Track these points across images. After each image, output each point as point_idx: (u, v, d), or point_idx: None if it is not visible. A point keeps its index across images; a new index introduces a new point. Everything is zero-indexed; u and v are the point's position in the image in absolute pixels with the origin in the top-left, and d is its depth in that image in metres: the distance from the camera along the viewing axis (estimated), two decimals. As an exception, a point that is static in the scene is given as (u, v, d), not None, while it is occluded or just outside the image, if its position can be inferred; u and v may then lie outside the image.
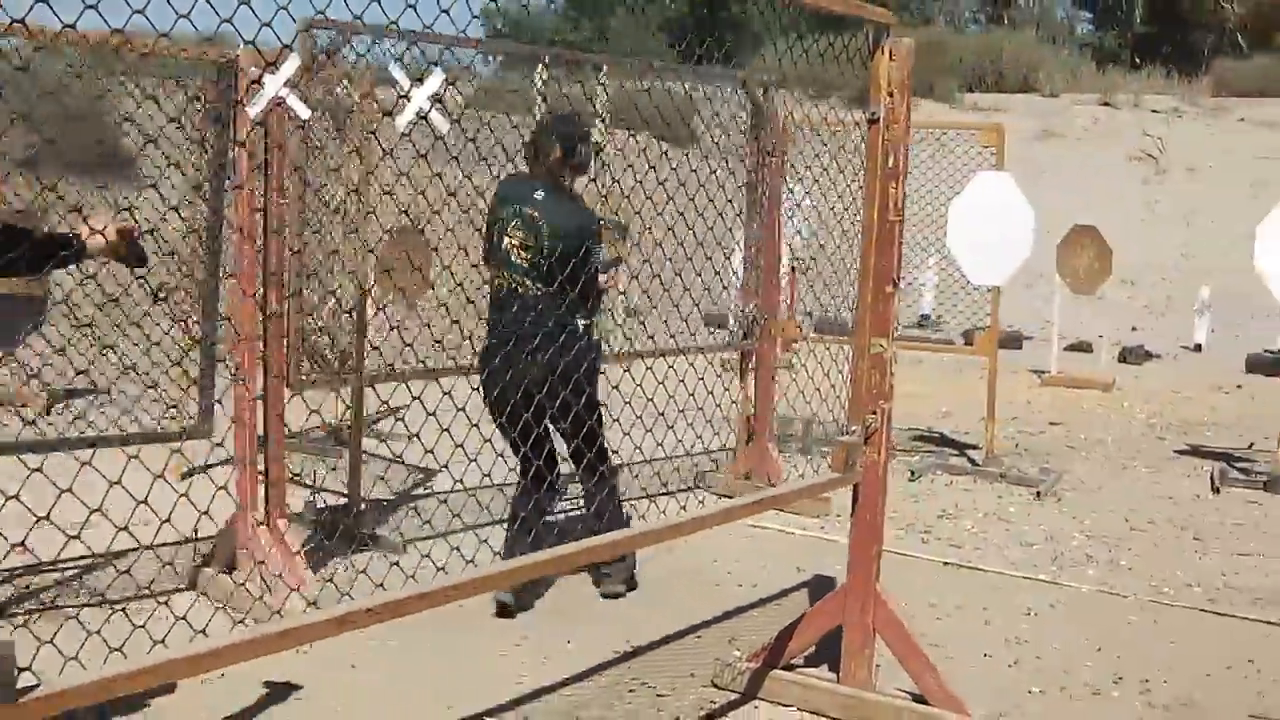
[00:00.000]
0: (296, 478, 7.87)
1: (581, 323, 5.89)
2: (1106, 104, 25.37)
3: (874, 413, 4.69)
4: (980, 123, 11.62)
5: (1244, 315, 17.39)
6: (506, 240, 5.83)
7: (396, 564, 4.43)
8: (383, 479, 7.80)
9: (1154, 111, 24.97)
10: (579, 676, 5.38)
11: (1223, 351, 16.65)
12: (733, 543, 7.28)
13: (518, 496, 6.19)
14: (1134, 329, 19.33)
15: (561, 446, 6.11)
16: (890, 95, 4.53)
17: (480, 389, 5.70)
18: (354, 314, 6.97)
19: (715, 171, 5.24)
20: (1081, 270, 13.90)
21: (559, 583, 6.50)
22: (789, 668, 5.17)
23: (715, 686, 5.24)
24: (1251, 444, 10.81)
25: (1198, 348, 17.78)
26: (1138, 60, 30.64)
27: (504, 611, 6.04)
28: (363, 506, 7.39)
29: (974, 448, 10.14)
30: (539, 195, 5.86)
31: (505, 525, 6.45)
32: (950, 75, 27.04)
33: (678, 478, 8.47)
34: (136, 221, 4.08)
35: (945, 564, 7.16)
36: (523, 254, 5.81)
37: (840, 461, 4.62)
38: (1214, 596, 6.72)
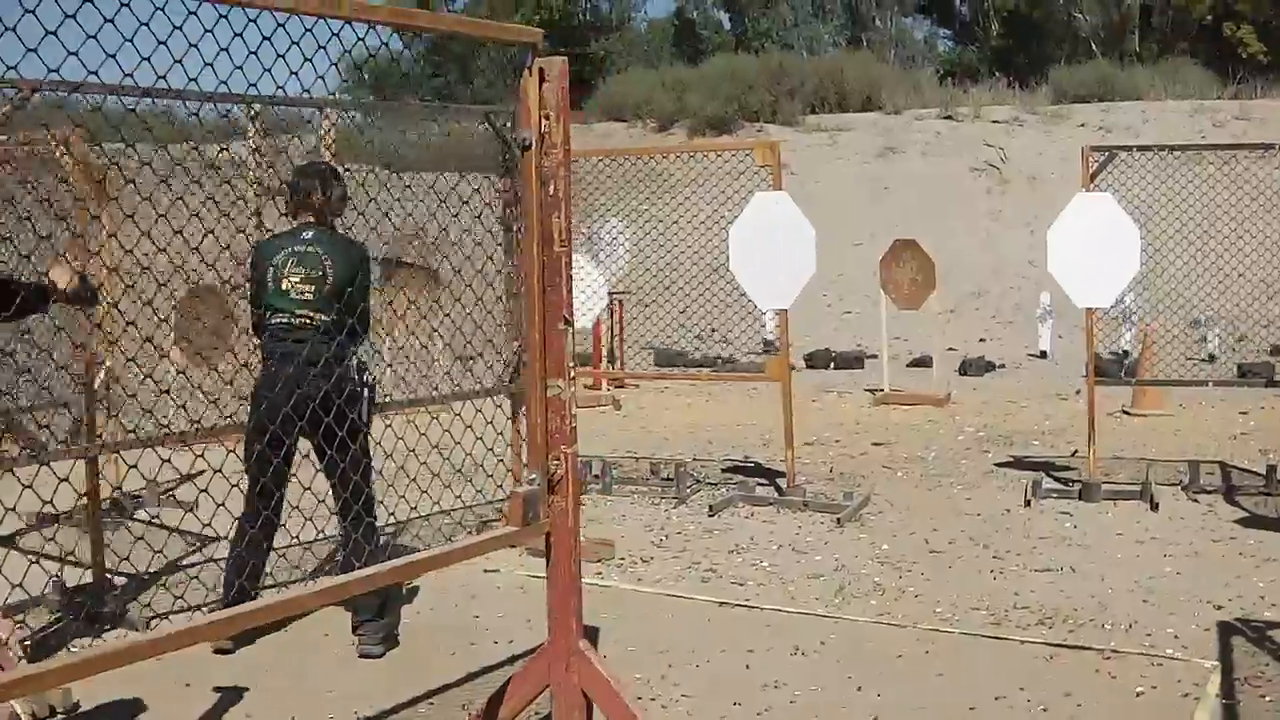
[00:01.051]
0: (47, 557, 7.35)
1: (360, 355, 6.02)
2: (948, 117, 25.44)
3: (557, 459, 4.33)
4: (753, 141, 11.34)
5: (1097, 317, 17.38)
6: (285, 282, 5.88)
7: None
8: (160, 552, 7.34)
9: (995, 122, 25.06)
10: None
11: (1068, 357, 16.58)
12: (500, 597, 6.93)
13: (239, 538, 6.11)
14: (981, 339, 19.30)
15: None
16: (547, 118, 4.19)
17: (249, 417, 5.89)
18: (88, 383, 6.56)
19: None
20: (905, 284, 13.72)
21: (316, 642, 6.25)
22: (505, 736, 4.77)
23: (434, 760, 4.86)
24: (1075, 451, 10.66)
25: (1043, 354, 17.76)
26: (995, 73, 30.90)
27: (222, 651, 6.01)
28: (115, 584, 6.96)
29: (782, 475, 9.85)
30: (308, 234, 5.96)
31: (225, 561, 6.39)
32: (793, 99, 26.98)
33: (463, 530, 8.13)
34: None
35: (720, 604, 6.82)
36: (305, 289, 5.87)
37: (518, 514, 4.25)
38: (999, 619, 6.45)
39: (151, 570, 6.93)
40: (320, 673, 5.90)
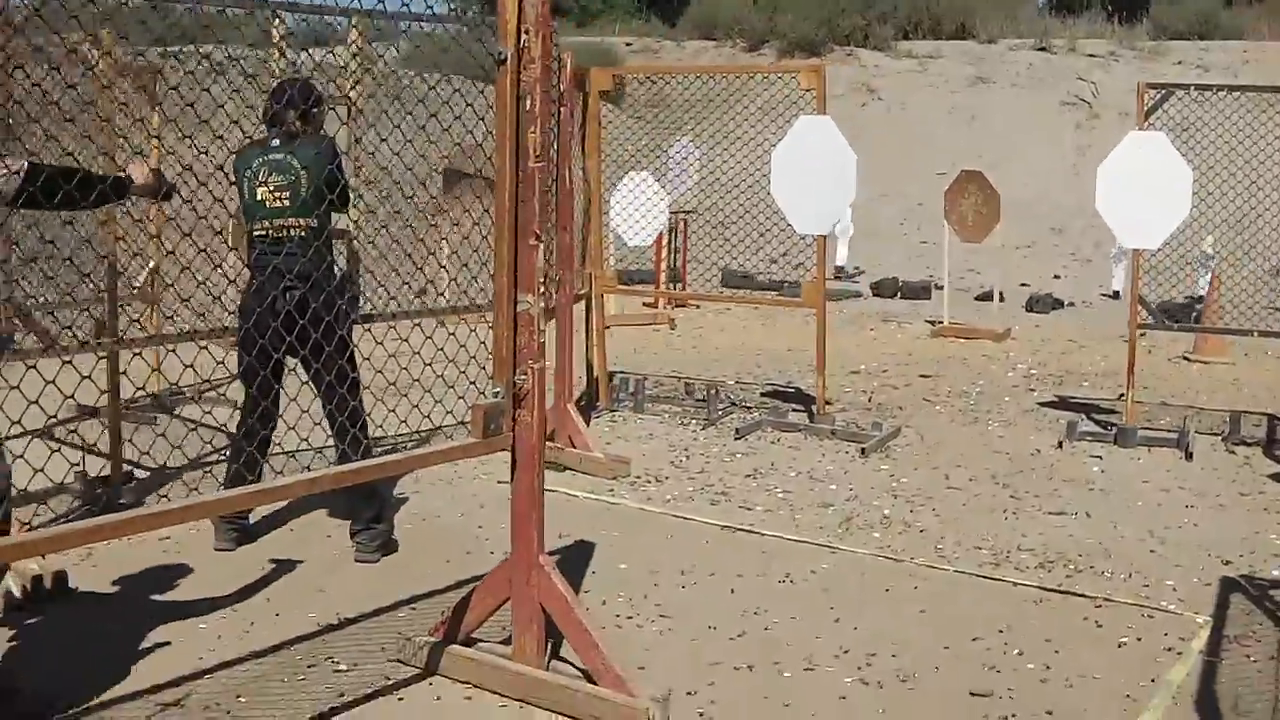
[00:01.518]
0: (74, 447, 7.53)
1: (341, 260, 6.14)
2: (1043, 49, 24.88)
3: (524, 374, 4.35)
4: (799, 65, 11.17)
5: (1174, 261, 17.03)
6: (261, 190, 5.88)
7: None
8: (178, 447, 7.48)
9: (1090, 55, 24.46)
10: (271, 650, 5.08)
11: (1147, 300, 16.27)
12: (507, 509, 6.96)
13: (241, 434, 6.21)
14: (1056, 276, 19.03)
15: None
16: (526, 33, 4.16)
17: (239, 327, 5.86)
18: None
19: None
20: (970, 216, 13.51)
21: (317, 546, 6.40)
22: (469, 642, 4.84)
23: (400, 662, 4.92)
24: (1121, 394, 10.47)
25: (1115, 295, 17.45)
26: (1106, 5, 30.08)
27: (224, 549, 6.30)
28: (135, 477, 7.14)
29: (827, 403, 9.80)
30: (276, 142, 5.93)
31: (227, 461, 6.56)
32: (885, 23, 26.53)
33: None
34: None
35: (724, 528, 6.83)
36: (281, 195, 5.86)
37: (479, 426, 4.27)
38: (999, 560, 6.40)
39: (171, 464, 7.09)
40: (314, 574, 6.01)
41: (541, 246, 4.29)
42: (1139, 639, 5.38)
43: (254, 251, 5.94)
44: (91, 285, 6.79)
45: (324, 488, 4.26)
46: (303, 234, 5.78)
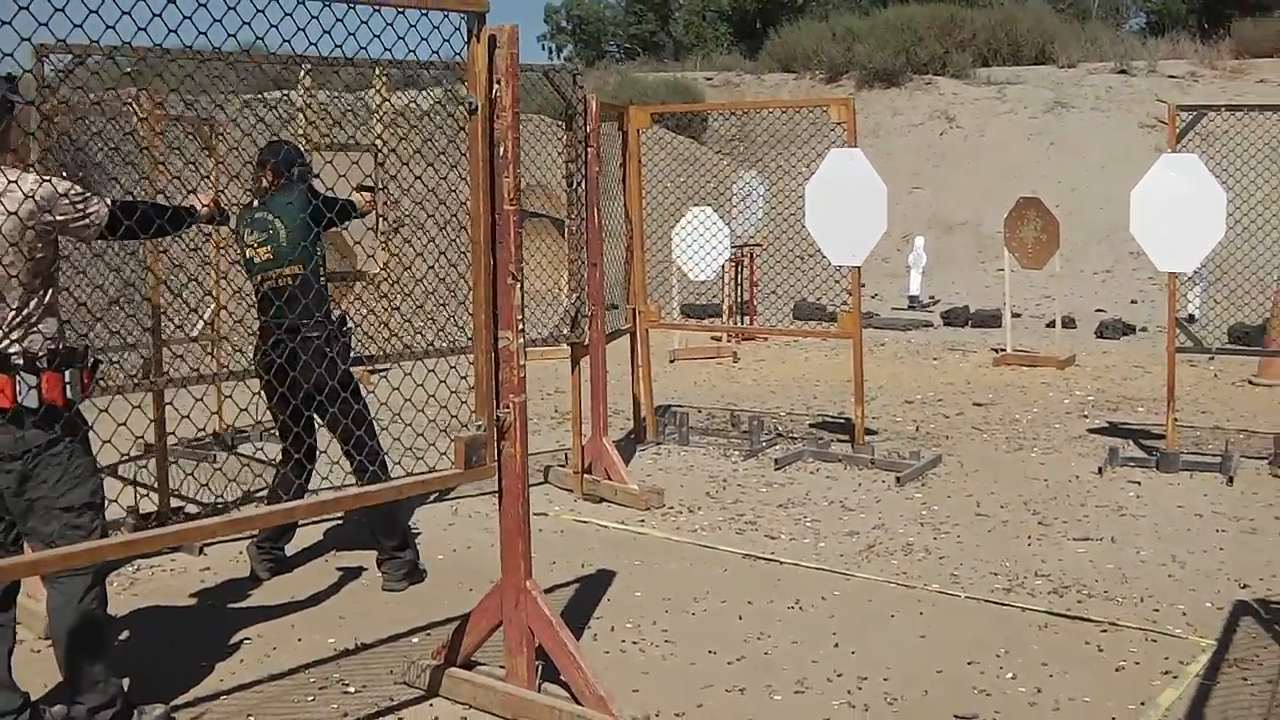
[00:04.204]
0: (133, 483, 7.87)
1: (328, 306, 6.26)
2: (1123, 71, 24.73)
3: (507, 408, 4.56)
4: (829, 98, 11.30)
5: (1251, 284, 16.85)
6: (249, 250, 6.21)
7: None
8: (232, 481, 7.83)
9: (1170, 77, 24.29)
10: (288, 673, 5.34)
11: (1215, 322, 16.11)
12: (537, 540, 7.13)
13: (281, 480, 6.47)
14: (1133, 301, 18.91)
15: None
16: (498, 83, 4.39)
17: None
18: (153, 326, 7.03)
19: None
20: (1030, 243, 13.53)
21: (348, 575, 6.71)
22: (469, 665, 5.05)
23: (405, 684, 5.15)
24: (1176, 418, 10.45)
25: (1190, 319, 17.27)
26: (1205, 25, 29.77)
27: (257, 577, 6.61)
28: (188, 513, 7.49)
29: (871, 433, 9.92)
30: (256, 202, 6.25)
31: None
32: (964, 51, 26.53)
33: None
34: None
35: (744, 556, 6.98)
36: (263, 251, 6.15)
37: (461, 457, 4.49)
38: (1011, 586, 6.48)
39: (223, 500, 7.42)
40: (339, 602, 6.28)
41: (519, 285, 4.49)
42: (1137, 663, 5.44)
43: (259, 311, 6.28)
44: (140, 327, 7.12)
45: (300, 517, 4.49)
46: (292, 282, 6.04)
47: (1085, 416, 10.98)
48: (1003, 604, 6.20)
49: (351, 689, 5.16)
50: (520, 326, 4.53)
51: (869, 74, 26.49)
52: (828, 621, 5.94)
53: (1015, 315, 17.01)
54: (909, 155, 24.15)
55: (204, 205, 5.08)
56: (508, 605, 4.78)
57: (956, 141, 24.40)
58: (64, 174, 5.68)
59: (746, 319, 15.88)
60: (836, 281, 12.21)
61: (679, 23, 45.25)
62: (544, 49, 55.84)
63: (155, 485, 7.51)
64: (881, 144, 24.26)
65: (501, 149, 4.40)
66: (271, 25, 3.87)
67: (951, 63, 26.26)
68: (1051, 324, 16.35)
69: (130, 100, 6.84)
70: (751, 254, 15.68)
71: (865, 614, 6.05)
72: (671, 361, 14.35)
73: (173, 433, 7.24)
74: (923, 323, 17.61)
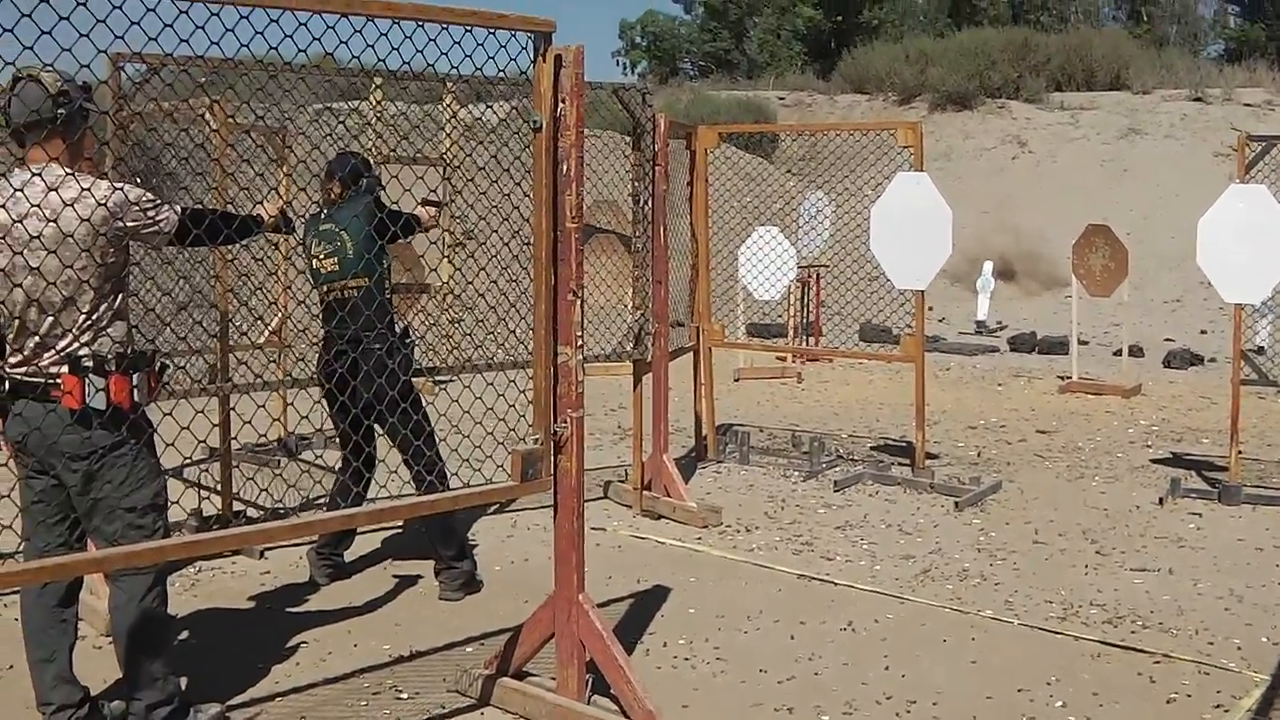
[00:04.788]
0: (198, 485, 8.01)
1: (393, 316, 6.40)
2: (1198, 99, 24.51)
3: (564, 422, 4.63)
4: (896, 122, 11.30)
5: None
6: (315, 262, 6.35)
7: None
8: (293, 487, 7.95)
9: (1246, 105, 24.05)
10: (342, 677, 5.43)
11: (1288, 355, 15.96)
12: (595, 554, 7.18)
13: (339, 487, 6.64)
14: (1203, 331, 18.72)
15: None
16: (562, 101, 4.46)
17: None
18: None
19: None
20: (1097, 271, 13.45)
21: (405, 583, 6.80)
22: (521, 675, 5.12)
23: (458, 693, 5.22)
24: (1240, 451, 10.35)
25: (1259, 350, 17.07)
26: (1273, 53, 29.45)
27: (316, 582, 6.74)
28: (250, 516, 7.62)
29: (933, 457, 9.91)
30: (324, 213, 6.39)
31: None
32: (1038, 75, 26.40)
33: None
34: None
35: (799, 576, 7.00)
36: (329, 262, 6.29)
37: (517, 470, 4.55)
38: (1066, 614, 6.45)
39: (284, 505, 7.54)
40: (395, 609, 6.37)
41: (579, 302, 4.55)
42: (1189, 695, 5.40)
43: (323, 321, 6.43)
44: (206, 333, 7.27)
45: (358, 524, 4.57)
46: (358, 293, 6.14)
47: (1149, 446, 10.89)
48: (1056, 632, 6.17)
49: (404, 695, 5.24)
50: (579, 343, 4.59)
51: (941, 97, 26.41)
52: (879, 644, 5.95)
53: (1082, 343, 16.85)
54: (980, 179, 24.03)
55: (270, 215, 5.18)
56: (560, 617, 4.84)
57: (1028, 166, 24.28)
58: (137, 181, 5.84)
59: (812, 340, 15.85)
60: (902, 304, 12.21)
61: (754, 41, 45.24)
62: (618, 65, 55.92)
63: (219, 489, 7.63)
64: (952, 167, 24.16)
65: (565, 167, 4.47)
66: (341, 42, 3.98)
67: (1025, 87, 26.12)
68: (1118, 352, 16.22)
69: (203, 111, 6.98)
70: (818, 275, 15.67)
71: (917, 638, 6.05)
72: (736, 380, 14.38)
73: (235, 437, 7.37)
74: (989, 348, 17.51)
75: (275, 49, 4.01)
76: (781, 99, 28.78)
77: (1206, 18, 48.11)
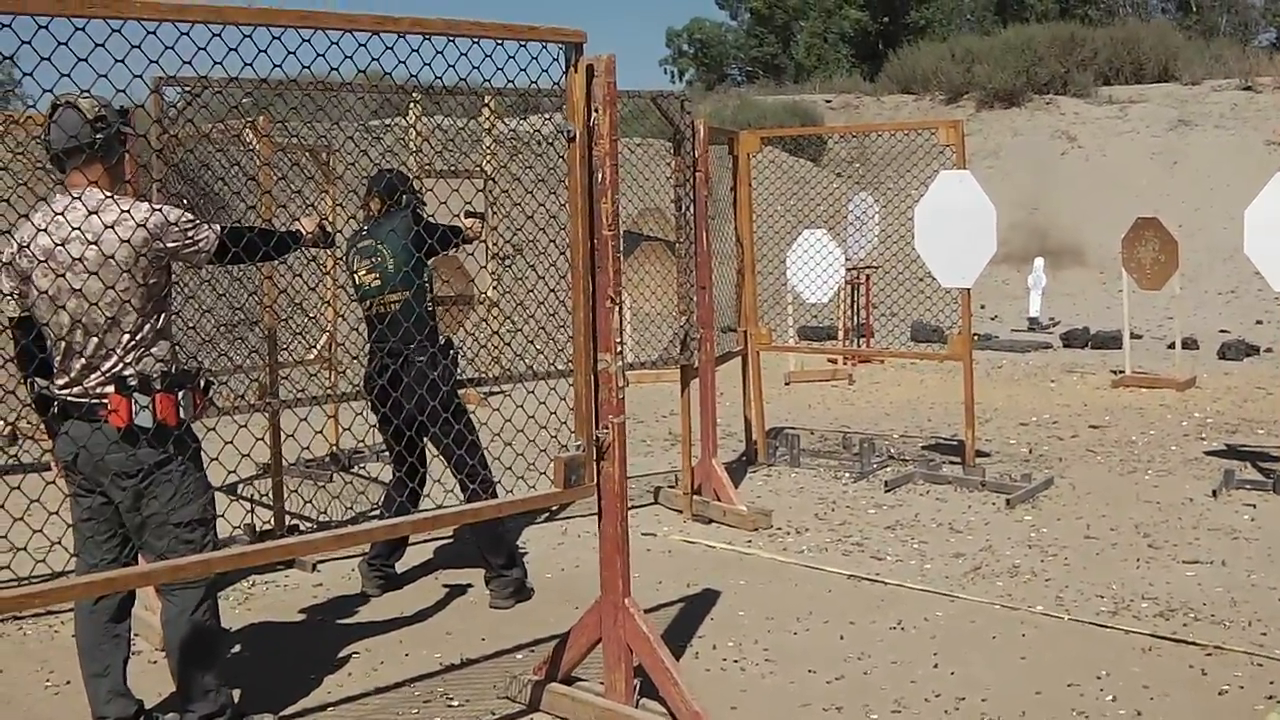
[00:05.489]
0: (249, 500, 8.12)
1: (435, 328, 6.45)
2: (1248, 88, 24.28)
3: (606, 429, 4.67)
4: (938, 121, 11.26)
5: None
6: (358, 275, 6.42)
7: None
8: (337, 499, 8.04)
9: (1297, 94, 23.86)
10: (393, 686, 5.50)
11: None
12: (645, 559, 7.27)
13: (386, 499, 6.83)
14: (1259, 322, 18.56)
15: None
16: (596, 111, 4.51)
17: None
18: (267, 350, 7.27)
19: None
20: (1147, 264, 13.36)
21: (455, 593, 6.87)
22: (569, 680, 5.16)
23: (508, 699, 5.27)
24: (1294, 442, 10.29)
25: (1314, 341, 16.95)
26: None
27: (368, 593, 6.81)
28: (301, 530, 7.71)
29: (984, 455, 9.88)
30: (364, 230, 6.49)
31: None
32: (1085, 70, 26.21)
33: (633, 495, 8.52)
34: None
35: (849, 577, 7.01)
36: (370, 277, 6.37)
37: (560, 477, 4.60)
38: (1117, 609, 6.42)
39: (333, 518, 7.64)
40: (446, 618, 6.44)
41: (617, 309, 4.59)
42: (1241, 687, 5.37)
43: (367, 334, 6.53)
44: (249, 349, 7.38)
45: (403, 533, 4.64)
46: (399, 306, 6.22)
47: (1203, 439, 10.80)
48: (1106, 626, 6.15)
49: (455, 703, 5.30)
50: (619, 349, 4.63)
51: (989, 94, 26.29)
52: (929, 642, 5.95)
53: (1135, 337, 16.74)
54: (1029, 175, 23.91)
55: (309, 230, 5.25)
56: (607, 622, 4.88)
57: (1078, 161, 24.12)
58: (184, 202, 5.94)
59: (864, 341, 15.83)
60: (953, 303, 12.17)
61: (800, 45, 45.23)
62: (665, 73, 56.02)
63: (270, 504, 7.74)
64: (1001, 164, 24.06)
65: (600, 175, 4.52)
66: (373, 59, 4.05)
67: (1072, 82, 25.96)
68: (1172, 345, 16.10)
69: (240, 131, 7.09)
70: (868, 276, 15.65)
71: (967, 635, 6.05)
72: (787, 384, 14.39)
73: (287, 455, 7.47)
74: (1042, 344, 17.42)
75: (308, 68, 4.09)
76: (828, 101, 28.75)
77: (1258, 6, 47.62)
